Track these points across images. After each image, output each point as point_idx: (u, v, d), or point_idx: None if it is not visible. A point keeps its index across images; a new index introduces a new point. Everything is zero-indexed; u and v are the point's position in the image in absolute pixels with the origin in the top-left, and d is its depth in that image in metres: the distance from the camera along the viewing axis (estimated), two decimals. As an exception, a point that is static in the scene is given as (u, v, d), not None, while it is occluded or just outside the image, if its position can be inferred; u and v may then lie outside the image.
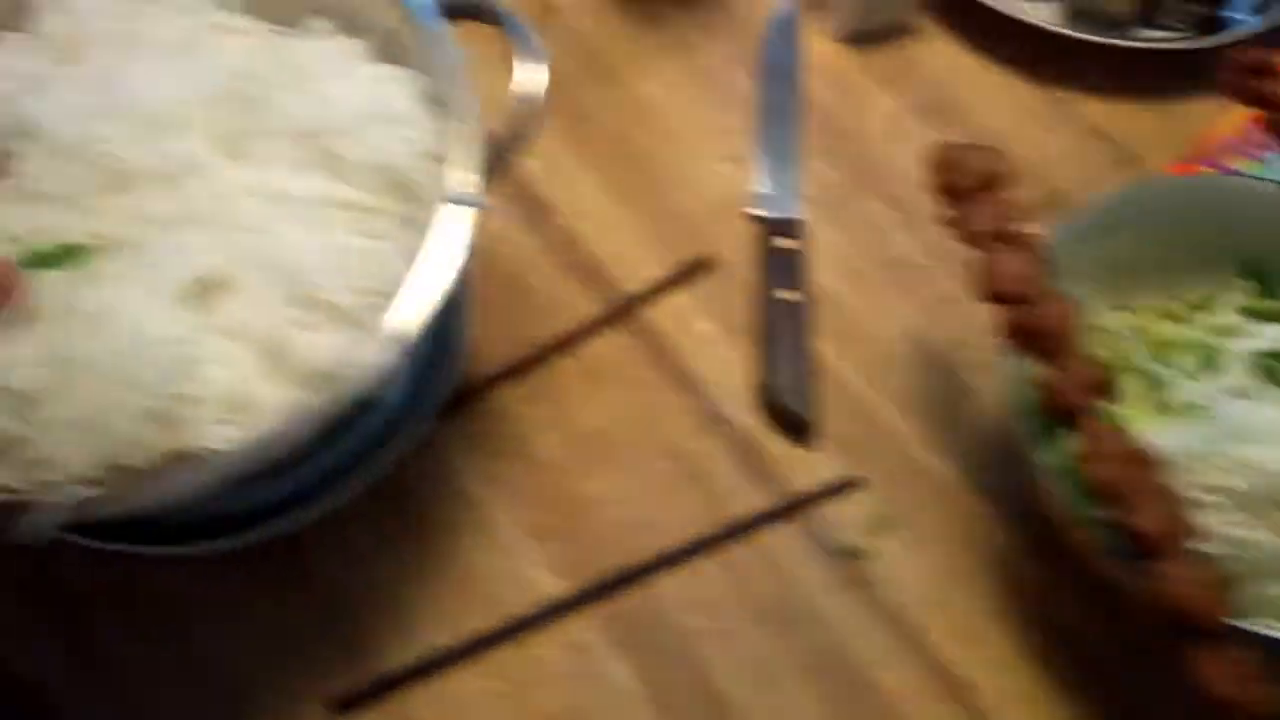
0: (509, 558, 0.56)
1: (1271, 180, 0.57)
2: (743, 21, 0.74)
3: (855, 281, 0.65)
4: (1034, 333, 0.50)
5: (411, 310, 0.44)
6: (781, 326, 0.62)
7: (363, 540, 0.56)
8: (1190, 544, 0.45)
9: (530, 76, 0.49)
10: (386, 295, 0.47)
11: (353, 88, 0.49)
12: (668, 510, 0.58)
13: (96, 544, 0.51)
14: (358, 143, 0.48)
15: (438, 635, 0.54)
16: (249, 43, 0.53)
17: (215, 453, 0.42)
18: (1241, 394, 0.52)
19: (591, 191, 0.67)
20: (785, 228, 0.65)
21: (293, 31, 0.53)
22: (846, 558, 0.57)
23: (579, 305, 0.64)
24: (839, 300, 0.64)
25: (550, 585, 0.55)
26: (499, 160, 0.48)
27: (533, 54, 0.49)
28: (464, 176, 0.46)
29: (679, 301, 0.64)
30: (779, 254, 0.64)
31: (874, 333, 0.64)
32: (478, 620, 0.54)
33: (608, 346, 0.63)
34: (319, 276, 0.45)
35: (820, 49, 0.74)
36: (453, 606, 0.55)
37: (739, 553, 0.57)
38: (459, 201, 0.45)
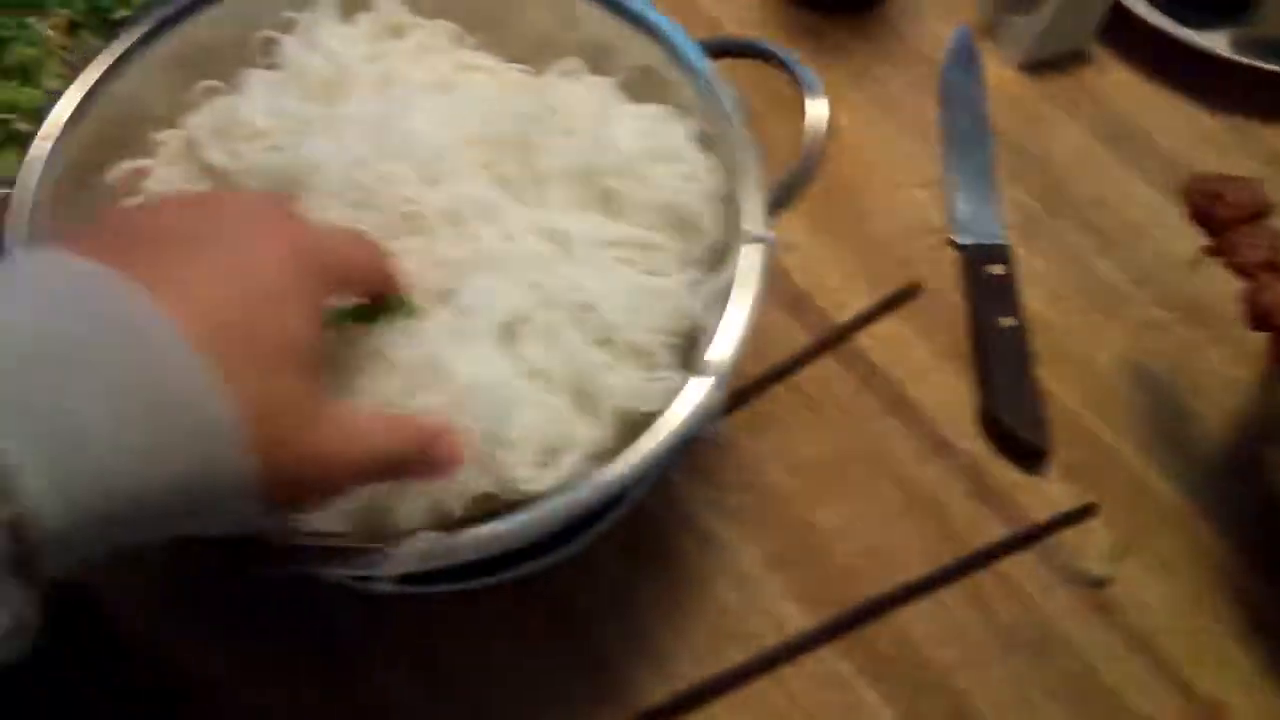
0: (754, 590, 0.56)
1: None
2: (920, 50, 0.75)
3: (1061, 307, 0.66)
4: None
5: (722, 348, 0.44)
6: (1002, 353, 0.62)
7: (610, 575, 0.55)
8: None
9: (815, 112, 0.49)
10: (679, 333, 0.48)
11: (627, 127, 0.49)
12: (903, 539, 0.58)
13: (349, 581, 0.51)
14: (638, 182, 0.48)
15: (692, 669, 0.54)
16: (505, 81, 0.53)
17: (532, 496, 0.42)
18: None
19: (792, 221, 0.67)
20: (993, 253, 0.65)
21: (541, 70, 0.54)
22: (1089, 584, 0.57)
23: (791, 335, 0.64)
24: (1048, 325, 0.65)
25: (797, 617, 0.55)
26: (787, 195, 0.48)
27: (811, 89, 0.49)
28: (754, 213, 0.47)
29: (890, 328, 0.64)
30: (991, 280, 0.64)
31: (1086, 358, 0.64)
32: (731, 653, 0.54)
33: (824, 375, 0.63)
34: (617, 316, 0.45)
35: (999, 76, 0.74)
36: (704, 640, 0.54)
37: (982, 581, 0.57)
38: (755, 239, 0.46)
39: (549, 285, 0.46)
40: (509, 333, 0.45)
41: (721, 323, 0.44)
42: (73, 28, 0.60)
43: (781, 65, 0.50)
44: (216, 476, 0.31)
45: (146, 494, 0.29)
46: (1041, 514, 0.59)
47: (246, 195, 0.38)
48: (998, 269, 0.65)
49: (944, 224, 0.68)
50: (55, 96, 0.55)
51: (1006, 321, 0.63)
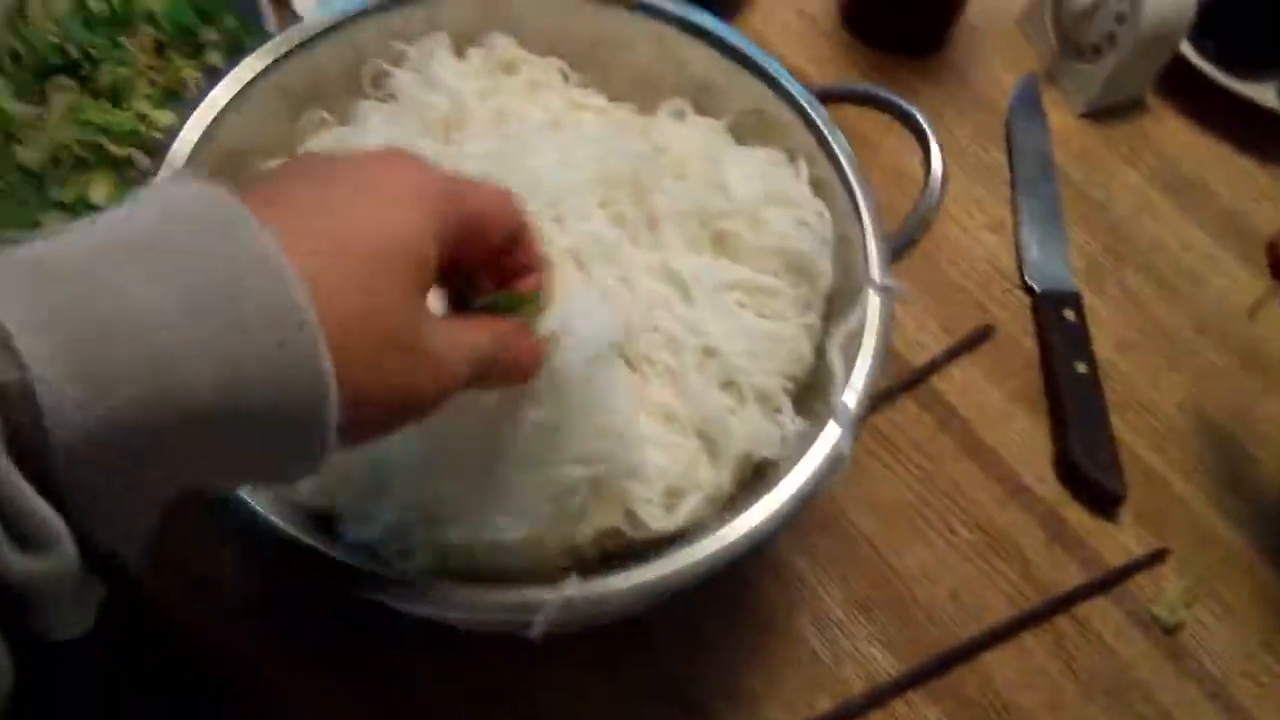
0: (840, 634, 0.56)
1: None
2: (985, 97, 0.76)
3: (1128, 353, 0.67)
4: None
5: (852, 396, 0.44)
6: (1078, 399, 0.63)
7: (698, 617, 0.55)
8: None
9: (936, 161, 0.49)
10: (796, 378, 0.48)
11: (740, 171, 0.49)
12: (985, 583, 0.58)
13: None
14: (752, 226, 0.49)
15: (784, 715, 0.54)
16: (614, 120, 0.53)
17: (657, 535, 0.42)
18: None
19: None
20: (1065, 299, 0.66)
21: (647, 109, 0.54)
22: (1164, 630, 0.58)
23: (868, 376, 0.64)
24: (1114, 371, 0.66)
25: (884, 662, 0.55)
26: (907, 242, 0.49)
27: (926, 135, 0.50)
28: (877, 260, 0.47)
29: (965, 371, 0.65)
30: (1065, 325, 0.65)
31: (1152, 404, 0.65)
32: (821, 700, 0.54)
33: (901, 418, 0.63)
34: (739, 360, 0.46)
35: (1061, 122, 0.75)
36: (795, 686, 0.54)
37: (1061, 627, 0.58)
38: (880, 288, 0.46)
39: (668, 327, 0.46)
40: (631, 369, 0.45)
41: (851, 370, 0.44)
42: (159, 48, 0.59)
43: (899, 113, 0.50)
44: (298, 394, 0.26)
45: (196, 402, 0.24)
46: (1115, 559, 0.60)
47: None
48: (1071, 315, 0.66)
49: (1014, 268, 0.69)
50: (147, 121, 0.54)
51: (1081, 368, 0.64)
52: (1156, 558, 0.60)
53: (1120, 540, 0.60)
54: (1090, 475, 0.61)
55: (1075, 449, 0.61)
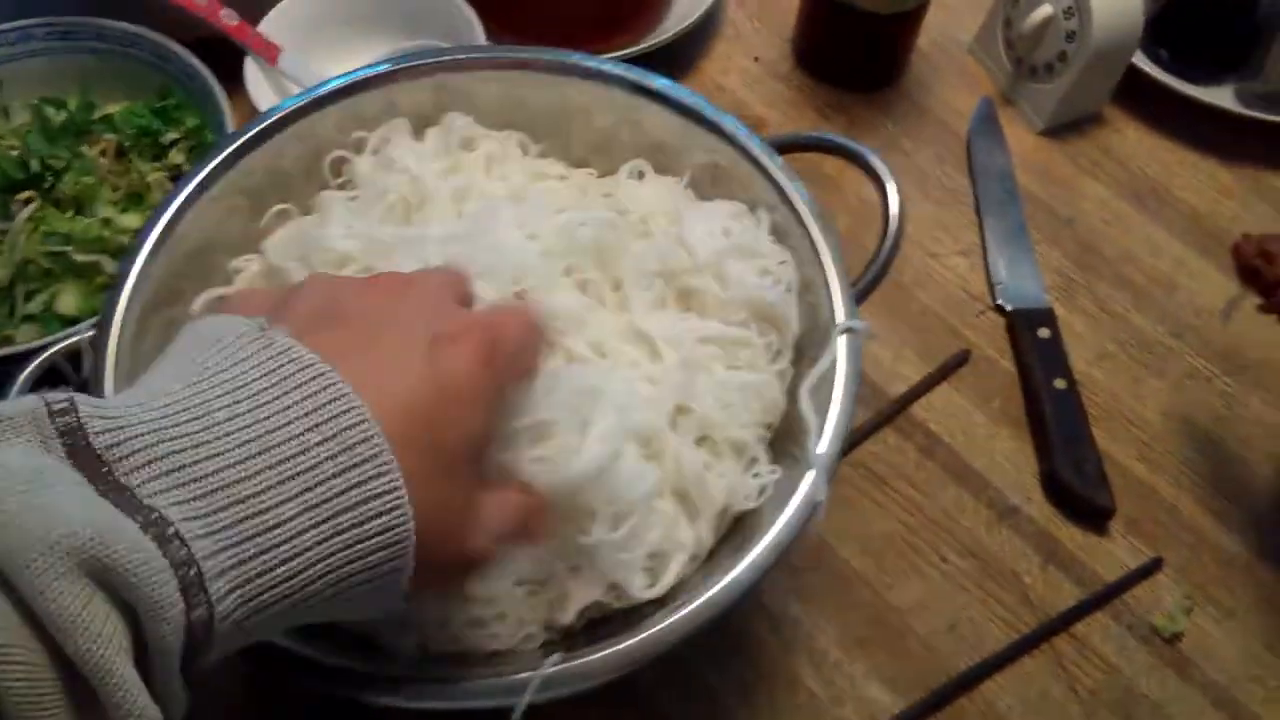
0: (838, 674, 0.56)
1: None
2: (944, 123, 0.77)
3: (1106, 365, 0.67)
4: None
5: (826, 440, 0.44)
6: (1059, 415, 0.63)
7: (692, 665, 0.56)
8: None
9: (894, 200, 0.50)
10: (771, 425, 0.48)
11: (703, 226, 0.50)
12: (982, 610, 0.58)
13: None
14: (718, 279, 0.49)
15: (791, 760, 0.54)
16: (576, 186, 0.54)
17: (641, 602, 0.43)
18: None
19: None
20: (1038, 317, 0.67)
21: (606, 171, 0.55)
22: (1164, 640, 0.58)
23: (849, 410, 0.65)
24: (1095, 383, 0.66)
25: (886, 700, 0.56)
26: (872, 283, 0.50)
27: (880, 177, 0.51)
28: (842, 303, 0.48)
29: (945, 397, 0.65)
30: (1040, 343, 0.66)
31: (1135, 413, 0.65)
32: (830, 741, 0.54)
33: (884, 450, 0.64)
34: (713, 414, 0.46)
35: (1021, 141, 0.76)
36: (800, 728, 0.55)
37: (1061, 647, 0.58)
38: (846, 330, 0.47)
39: (644, 390, 0.46)
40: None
41: (824, 414, 0.45)
42: (121, 153, 0.60)
43: (852, 157, 0.51)
44: (382, 579, 0.31)
45: (310, 593, 0.29)
46: (1110, 573, 0.60)
47: (426, 277, 0.38)
48: (1045, 332, 0.66)
49: (985, 290, 0.70)
50: (112, 226, 0.55)
51: (1059, 383, 0.64)
52: (1152, 568, 0.60)
53: (1114, 554, 0.61)
54: (1078, 491, 0.61)
55: (1061, 466, 0.62)
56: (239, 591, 0.28)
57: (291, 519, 0.28)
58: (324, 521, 0.29)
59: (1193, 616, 0.59)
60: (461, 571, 0.37)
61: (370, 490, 0.30)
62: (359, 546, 0.30)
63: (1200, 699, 0.57)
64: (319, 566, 0.29)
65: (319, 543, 0.29)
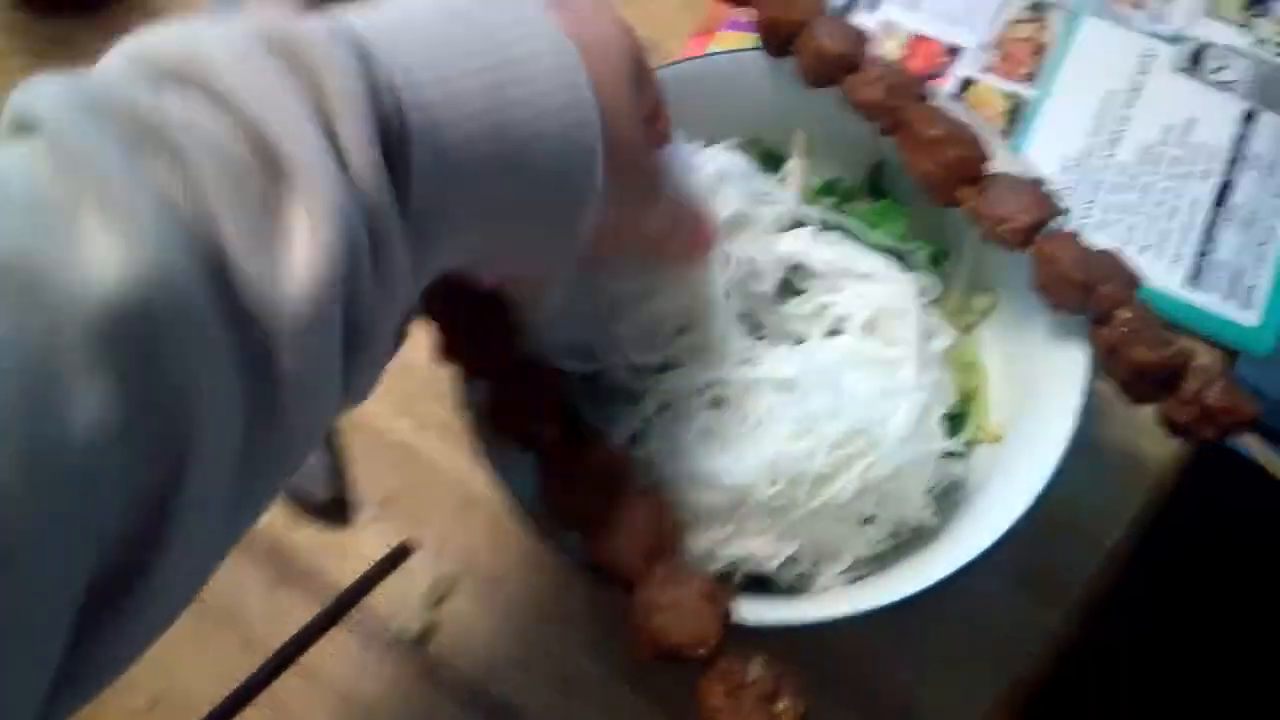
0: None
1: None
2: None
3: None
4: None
5: None
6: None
7: None
8: (674, 566, 0.36)
9: None
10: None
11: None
12: (194, 668, 0.47)
13: None
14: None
15: None
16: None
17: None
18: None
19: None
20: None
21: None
22: (412, 645, 0.47)
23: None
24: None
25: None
26: None
27: None
28: None
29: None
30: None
31: (399, 359, 0.53)
32: None
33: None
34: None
35: None
36: None
37: (285, 688, 0.47)
38: None
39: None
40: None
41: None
42: None
43: None
44: (573, 150, 0.31)
45: (505, 145, 0.30)
46: (355, 574, 0.49)
47: None
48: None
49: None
50: None
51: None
52: (399, 557, 0.49)
53: (361, 550, 0.49)
54: (293, 487, 0.49)
55: (276, 459, 0.50)
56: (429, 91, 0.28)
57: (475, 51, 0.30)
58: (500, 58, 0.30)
59: (446, 605, 0.48)
60: (644, 184, 0.37)
61: (551, 57, 0.31)
62: (543, 94, 0.30)
63: (451, 705, 0.46)
64: (510, 93, 0.30)
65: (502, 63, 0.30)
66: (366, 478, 0.51)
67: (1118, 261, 0.39)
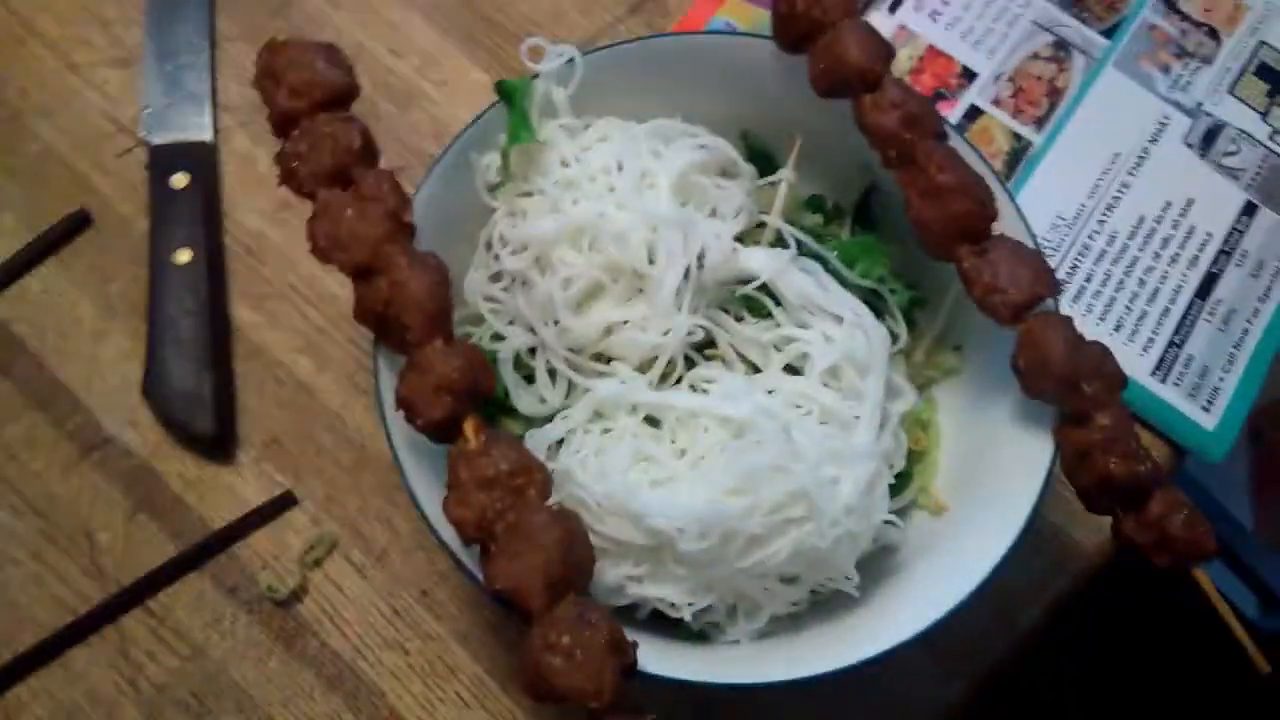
0: None
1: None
2: None
3: (285, 219, 0.49)
4: (384, 316, 0.35)
5: None
6: (175, 301, 0.45)
7: None
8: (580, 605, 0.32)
9: None
10: None
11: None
12: (30, 589, 0.43)
13: None
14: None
15: None
16: None
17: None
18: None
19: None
20: (184, 155, 0.48)
21: None
22: (278, 604, 0.43)
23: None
24: (263, 247, 0.48)
25: None
26: None
27: None
28: None
29: (45, 281, 0.47)
30: (172, 195, 0.47)
31: (317, 289, 0.48)
32: None
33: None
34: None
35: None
36: None
37: (129, 629, 0.43)
38: None
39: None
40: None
41: None
42: None
43: None
44: None
45: None
46: (228, 517, 0.44)
47: None
48: (183, 179, 0.47)
49: (138, 117, 0.50)
50: None
51: (183, 255, 0.46)
52: (278, 507, 0.45)
53: (239, 491, 0.45)
54: (174, 411, 0.44)
55: (160, 375, 0.45)
56: None
57: None
58: None
59: (327, 566, 0.44)
60: None
61: None
62: None
63: (312, 679, 0.43)
64: None
65: None
66: (255, 414, 0.46)
67: (1106, 358, 0.36)
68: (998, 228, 0.38)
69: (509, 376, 0.40)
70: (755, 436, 0.35)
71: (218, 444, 0.45)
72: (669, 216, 0.38)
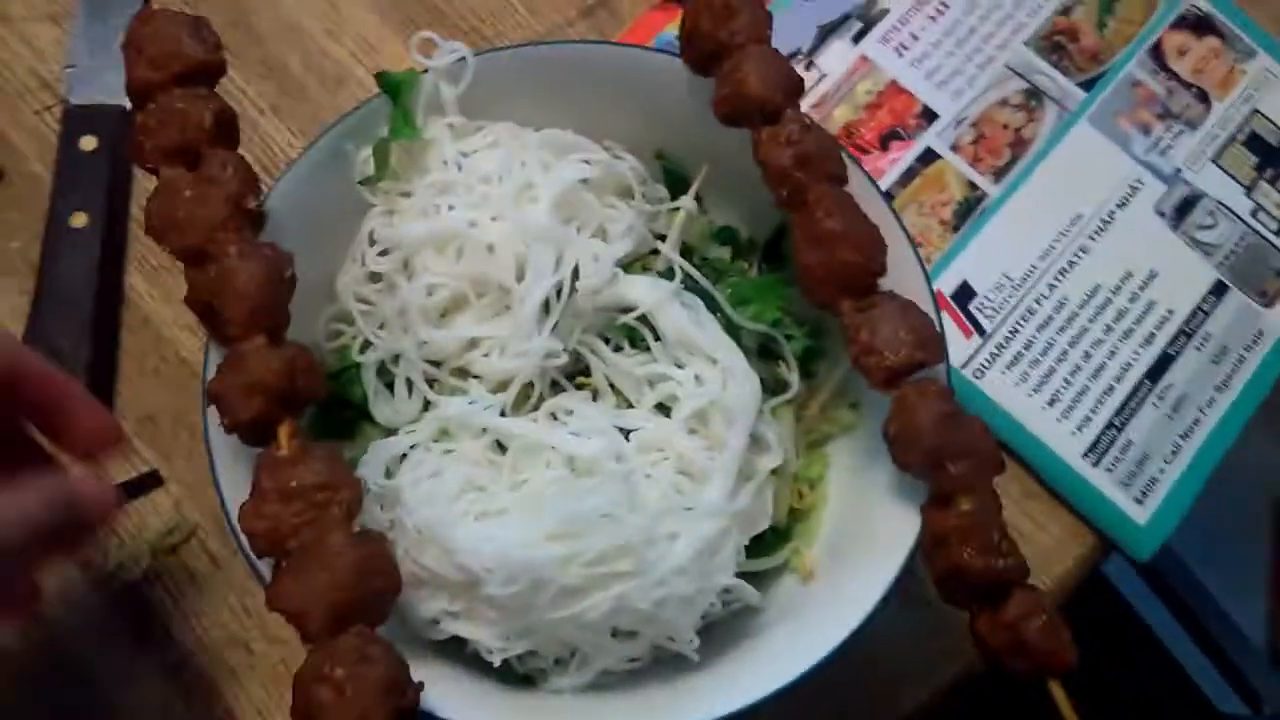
0: None
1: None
2: None
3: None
4: (210, 306, 0.33)
5: None
6: (63, 262, 0.44)
7: None
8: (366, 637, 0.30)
9: None
10: None
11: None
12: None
13: None
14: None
15: None
16: None
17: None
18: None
19: None
20: (98, 119, 0.47)
21: None
22: (126, 586, 0.42)
23: None
24: (177, 218, 0.47)
25: None
26: None
27: None
28: None
29: (-52, 235, 0.47)
30: (78, 158, 0.46)
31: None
32: None
33: None
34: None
35: None
36: None
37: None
38: None
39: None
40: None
41: None
42: None
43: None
44: None
45: None
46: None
47: None
48: (89, 142, 0.46)
49: (60, 76, 0.49)
50: None
51: (79, 220, 0.45)
52: (143, 486, 0.43)
53: (105, 465, 0.44)
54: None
55: (38, 336, 0.43)
56: None
57: None
58: None
59: (184, 553, 0.43)
60: None
61: None
62: None
63: (152, 668, 0.41)
64: None
65: None
66: (135, 387, 0.45)
67: (982, 438, 0.33)
68: (889, 283, 0.35)
69: (370, 382, 0.38)
70: (594, 479, 0.33)
71: (92, 414, 0.44)
72: (542, 230, 0.36)
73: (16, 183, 0.47)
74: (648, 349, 0.37)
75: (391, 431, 0.38)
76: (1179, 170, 0.49)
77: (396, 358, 0.38)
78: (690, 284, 0.38)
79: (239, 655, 0.42)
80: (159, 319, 0.46)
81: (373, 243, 0.38)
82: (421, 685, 0.30)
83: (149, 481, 0.43)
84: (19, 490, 0.31)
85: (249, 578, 0.42)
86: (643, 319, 0.37)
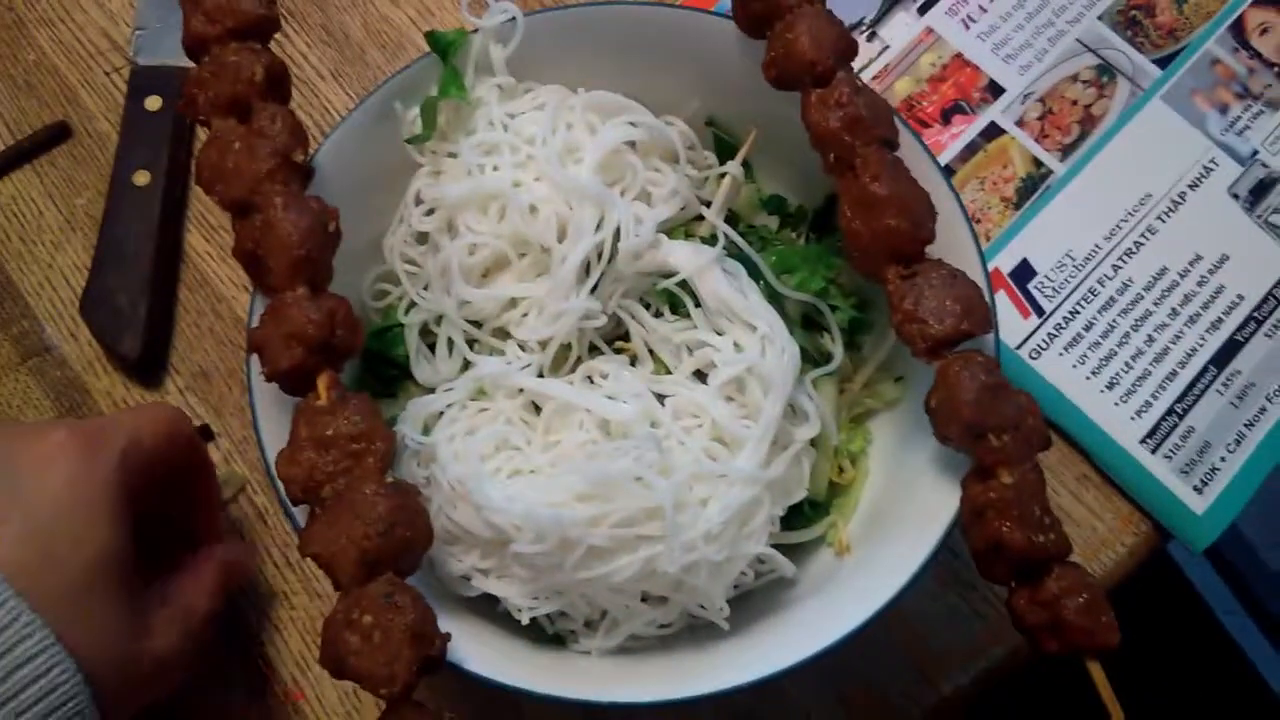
0: None
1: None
2: None
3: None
4: (255, 256, 0.34)
5: None
6: (125, 220, 0.45)
7: None
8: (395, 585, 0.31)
9: None
10: None
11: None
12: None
13: None
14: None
15: None
16: None
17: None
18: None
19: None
20: (163, 80, 0.48)
21: None
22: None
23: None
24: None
25: None
26: None
27: None
28: None
29: (21, 185, 0.48)
30: (143, 117, 0.47)
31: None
32: None
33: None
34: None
35: None
36: None
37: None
38: None
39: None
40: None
41: None
42: None
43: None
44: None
45: None
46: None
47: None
48: (154, 102, 0.47)
49: (130, 37, 0.50)
50: None
51: (142, 178, 0.46)
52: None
53: (161, 416, 0.45)
54: (102, 329, 0.44)
55: (97, 291, 0.45)
56: None
57: None
58: None
59: (231, 507, 0.44)
60: (179, 663, 0.34)
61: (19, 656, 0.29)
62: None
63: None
64: None
65: None
66: (190, 343, 0.46)
67: (1029, 412, 0.32)
68: (935, 251, 0.34)
69: (412, 342, 0.38)
70: (626, 442, 0.32)
71: (145, 367, 0.45)
72: (584, 190, 0.36)
73: (84, 141, 0.48)
74: (688, 315, 0.37)
75: (431, 391, 0.38)
76: (1256, 152, 0.47)
77: (440, 318, 0.38)
78: (734, 250, 0.37)
79: (280, 608, 0.43)
80: (215, 277, 0.47)
81: (419, 202, 0.38)
82: (449, 636, 0.31)
83: (202, 435, 0.44)
84: (200, 574, 0.36)
85: (292, 532, 0.43)
86: (684, 285, 0.37)
